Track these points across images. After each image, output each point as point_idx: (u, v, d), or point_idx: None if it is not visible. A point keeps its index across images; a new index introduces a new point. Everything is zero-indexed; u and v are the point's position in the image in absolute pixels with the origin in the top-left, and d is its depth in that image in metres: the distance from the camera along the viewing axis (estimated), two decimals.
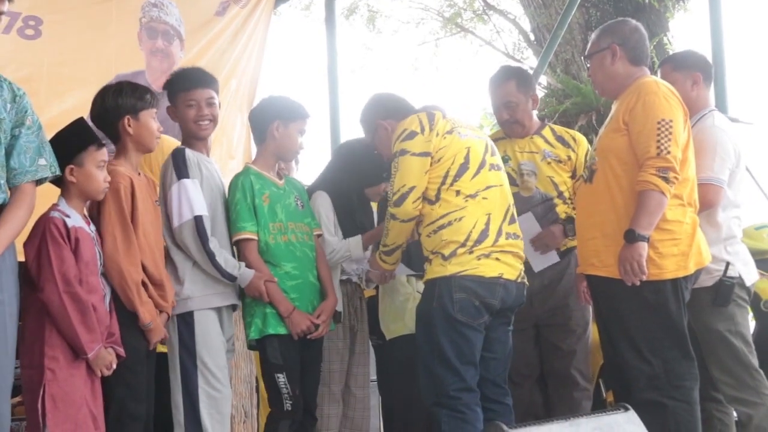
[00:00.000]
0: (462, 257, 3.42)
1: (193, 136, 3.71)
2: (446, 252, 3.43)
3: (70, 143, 3.28)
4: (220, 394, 3.55)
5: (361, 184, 4.15)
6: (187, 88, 3.71)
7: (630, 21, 3.74)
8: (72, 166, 3.26)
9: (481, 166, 3.54)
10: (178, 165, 3.58)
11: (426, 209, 3.52)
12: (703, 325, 3.79)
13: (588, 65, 3.75)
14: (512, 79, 4.16)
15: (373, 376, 4.41)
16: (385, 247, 3.66)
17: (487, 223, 3.46)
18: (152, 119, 3.51)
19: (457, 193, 3.48)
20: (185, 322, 3.54)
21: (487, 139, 3.71)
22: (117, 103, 3.46)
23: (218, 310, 3.62)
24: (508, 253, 3.50)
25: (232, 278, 3.56)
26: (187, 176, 3.55)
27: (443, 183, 3.49)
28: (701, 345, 3.77)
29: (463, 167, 3.50)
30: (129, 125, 3.45)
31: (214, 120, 3.73)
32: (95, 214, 3.37)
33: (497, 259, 3.45)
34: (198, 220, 3.51)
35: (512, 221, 3.57)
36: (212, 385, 3.52)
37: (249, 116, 3.96)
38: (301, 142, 3.87)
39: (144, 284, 3.36)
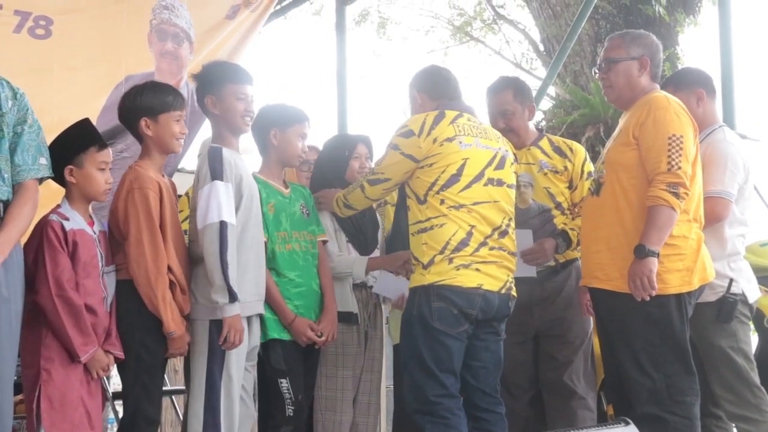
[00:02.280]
0: (440, 266, 3.42)
1: (237, 130, 3.64)
2: (425, 260, 3.45)
3: (70, 144, 3.29)
4: (243, 407, 3.51)
5: (338, 176, 4.11)
6: (240, 81, 3.64)
7: (654, 36, 3.73)
8: (71, 167, 3.27)
9: (476, 179, 3.51)
10: (214, 165, 3.47)
11: (414, 207, 3.55)
12: (706, 341, 3.78)
13: (605, 68, 3.67)
14: (509, 89, 4.17)
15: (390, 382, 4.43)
16: (346, 202, 3.79)
17: (469, 234, 3.45)
18: (174, 122, 3.46)
19: (442, 201, 3.47)
20: (219, 330, 3.40)
21: (500, 151, 3.64)
22: (135, 104, 3.45)
23: (248, 319, 3.52)
24: (491, 264, 3.47)
25: (233, 297, 3.36)
26: (220, 178, 3.44)
27: (430, 188, 3.49)
28: (703, 361, 3.76)
29: (453, 178, 3.48)
30: (147, 127, 3.43)
31: (254, 119, 3.71)
32: (121, 218, 3.32)
33: (477, 269, 3.44)
34: (223, 226, 3.38)
35: (503, 236, 3.53)
36: (231, 398, 3.44)
37: (251, 128, 3.93)
38: (302, 145, 3.85)
39: (171, 285, 3.33)
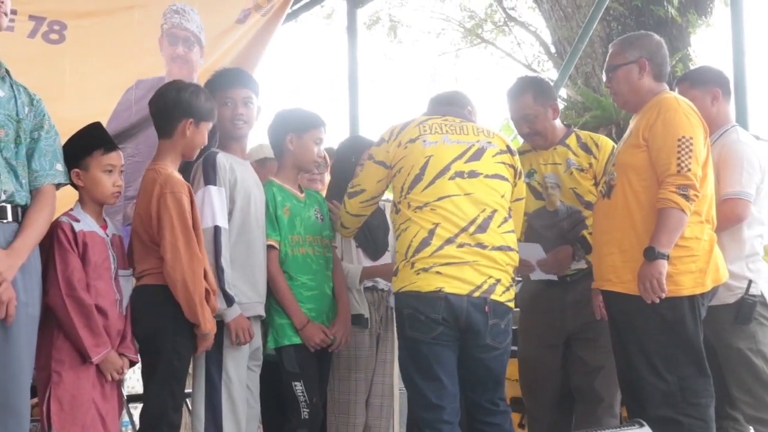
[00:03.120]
0: (404, 272, 3.37)
1: (228, 136, 3.68)
2: (395, 267, 3.44)
3: (76, 148, 3.29)
4: (245, 407, 3.52)
5: (347, 181, 4.06)
6: (223, 87, 3.68)
7: (654, 36, 3.72)
8: (78, 170, 3.27)
9: (440, 175, 3.39)
10: (207, 170, 3.52)
11: (393, 217, 3.56)
12: (724, 343, 3.77)
13: (608, 76, 3.70)
14: (528, 92, 4.05)
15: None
16: (341, 220, 3.77)
17: (431, 232, 3.32)
18: (206, 131, 3.48)
19: (408, 205, 3.42)
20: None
21: (477, 143, 3.48)
22: (189, 103, 3.43)
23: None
24: (461, 265, 3.29)
25: (230, 301, 3.43)
26: (213, 183, 3.49)
27: (400, 194, 3.46)
28: (721, 363, 3.75)
29: (417, 178, 3.42)
30: (188, 128, 3.42)
31: (249, 121, 3.70)
32: (154, 222, 3.30)
33: (438, 272, 3.29)
34: (217, 231, 3.44)
35: (481, 231, 3.33)
36: (233, 399, 3.46)
37: (267, 132, 3.95)
38: (318, 150, 3.85)
39: (207, 291, 3.33)
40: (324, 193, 4.19)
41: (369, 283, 4.10)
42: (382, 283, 4.15)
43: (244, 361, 3.55)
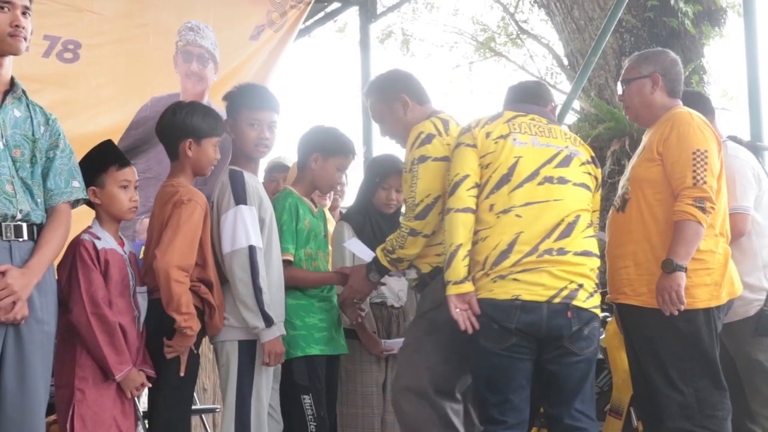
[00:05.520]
0: (481, 281, 3.21)
1: (248, 157, 3.62)
2: (472, 275, 3.24)
3: (91, 165, 3.31)
4: (272, 423, 3.53)
5: (367, 200, 4.09)
6: (252, 107, 3.59)
7: (670, 52, 3.72)
8: (94, 187, 3.29)
9: (529, 179, 3.24)
10: (237, 189, 3.46)
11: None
12: (744, 356, 3.76)
13: (622, 90, 3.70)
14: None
15: None
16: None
17: (512, 244, 3.18)
18: (213, 147, 3.47)
19: (491, 207, 3.23)
20: (248, 350, 3.44)
21: (567, 149, 3.36)
22: (184, 123, 3.43)
23: None
24: (538, 271, 3.16)
25: (269, 322, 3.39)
26: (244, 202, 3.44)
27: (479, 194, 3.26)
28: (741, 376, 3.74)
29: (504, 179, 3.23)
30: (189, 148, 3.43)
31: (270, 146, 3.66)
32: (164, 225, 3.32)
33: (515, 279, 3.16)
34: (252, 251, 3.39)
35: (564, 236, 3.20)
36: (261, 417, 3.45)
37: (298, 140, 3.89)
38: (339, 176, 3.82)
39: (210, 306, 3.34)
40: (326, 209, 4.21)
41: (377, 299, 4.10)
42: (390, 299, 4.15)
43: (270, 381, 3.55)
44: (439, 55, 18.69)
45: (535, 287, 3.17)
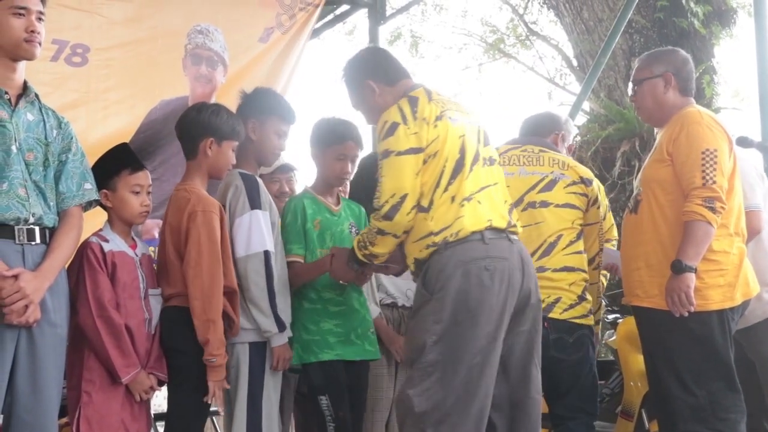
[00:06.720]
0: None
1: (263, 162, 3.68)
2: None
3: (104, 168, 3.31)
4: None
5: (368, 196, 4.01)
6: (283, 118, 3.64)
7: (681, 51, 3.71)
8: (106, 191, 3.29)
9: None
10: (252, 194, 3.45)
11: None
12: (762, 356, 3.75)
13: (633, 90, 3.69)
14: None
15: None
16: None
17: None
18: (231, 151, 3.47)
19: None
20: (259, 352, 3.43)
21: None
22: (209, 122, 3.42)
23: None
24: None
25: (282, 326, 3.40)
26: (259, 207, 3.45)
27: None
28: (761, 377, 3.73)
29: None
30: (210, 147, 3.42)
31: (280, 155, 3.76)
32: (183, 237, 3.30)
33: None
34: (267, 255, 3.40)
35: (544, 255, 3.52)
36: (272, 419, 3.43)
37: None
38: (341, 166, 3.72)
39: (231, 319, 3.33)
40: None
41: (388, 300, 4.07)
42: (401, 299, 4.10)
43: (280, 383, 3.54)
44: (448, 56, 18.67)
45: None
